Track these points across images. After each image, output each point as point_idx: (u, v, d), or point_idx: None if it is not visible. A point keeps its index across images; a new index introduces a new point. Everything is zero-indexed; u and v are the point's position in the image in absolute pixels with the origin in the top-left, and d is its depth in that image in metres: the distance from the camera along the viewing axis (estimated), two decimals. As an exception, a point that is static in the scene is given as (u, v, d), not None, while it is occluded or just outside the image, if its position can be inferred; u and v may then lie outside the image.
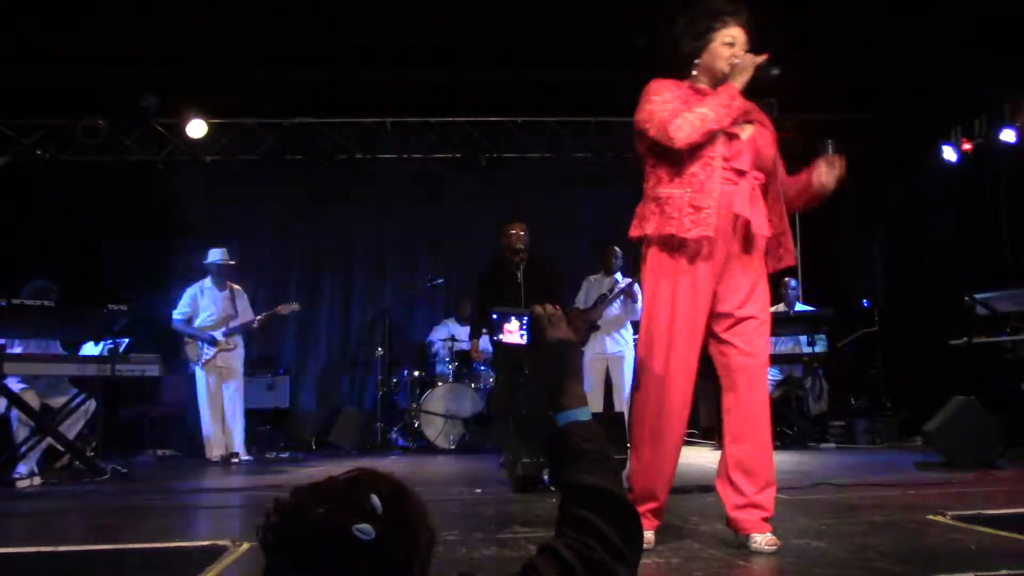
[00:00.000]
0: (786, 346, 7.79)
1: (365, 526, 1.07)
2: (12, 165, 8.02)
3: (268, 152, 8.58)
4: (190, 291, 7.16)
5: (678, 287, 2.67)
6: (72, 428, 5.73)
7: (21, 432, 5.49)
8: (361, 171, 8.95)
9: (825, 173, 2.79)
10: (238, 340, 7.19)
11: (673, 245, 2.67)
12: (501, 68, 7.53)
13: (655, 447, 2.70)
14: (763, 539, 2.59)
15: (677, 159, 2.66)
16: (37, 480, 5.29)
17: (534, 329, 1.54)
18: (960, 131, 7.57)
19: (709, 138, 2.64)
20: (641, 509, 2.72)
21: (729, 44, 2.74)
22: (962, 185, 7.53)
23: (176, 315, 7.11)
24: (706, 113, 2.62)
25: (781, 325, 7.56)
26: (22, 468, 5.34)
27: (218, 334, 7.07)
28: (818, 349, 7.42)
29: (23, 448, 5.38)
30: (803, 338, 7.45)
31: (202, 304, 7.12)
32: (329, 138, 8.60)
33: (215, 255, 7.18)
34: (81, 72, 7.31)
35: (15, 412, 5.49)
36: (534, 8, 6.66)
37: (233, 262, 7.30)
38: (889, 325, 7.58)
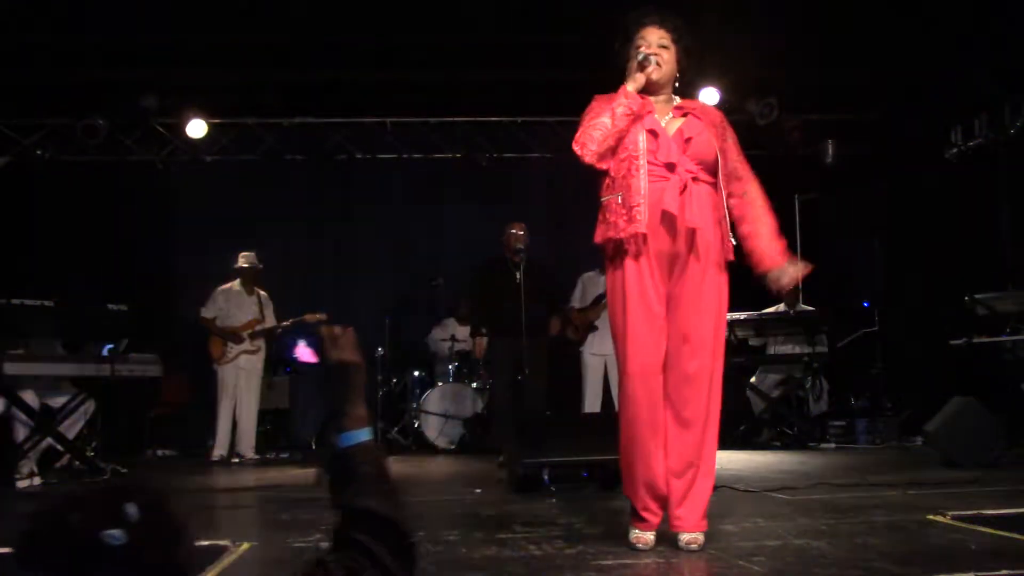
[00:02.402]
0: (786, 346, 7.78)
1: (116, 531, 1.08)
2: (12, 165, 8.03)
3: (268, 152, 8.58)
4: (219, 292, 7.20)
5: (627, 284, 2.75)
6: (72, 428, 5.72)
7: (21, 432, 5.49)
8: (361, 171, 8.96)
9: (776, 280, 2.85)
10: (261, 344, 7.23)
11: (617, 248, 2.78)
12: (500, 68, 7.53)
13: (635, 443, 2.73)
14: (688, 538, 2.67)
15: (612, 166, 2.80)
16: (37, 480, 5.29)
17: (320, 350, 1.55)
18: (960, 131, 7.56)
19: (615, 142, 2.78)
20: (637, 508, 2.73)
21: (642, 47, 2.85)
22: (962, 185, 7.53)
23: (204, 313, 7.15)
24: (602, 122, 2.77)
25: (781, 325, 7.56)
26: (22, 468, 5.33)
27: (244, 335, 7.10)
28: (818, 349, 7.41)
29: (23, 448, 5.37)
30: (803, 338, 7.44)
31: (231, 306, 7.15)
32: (329, 138, 8.60)
33: (244, 259, 7.21)
34: (81, 72, 7.31)
35: (15, 412, 5.49)
36: (534, 8, 6.67)
37: (261, 266, 7.32)
38: (889, 325, 7.57)
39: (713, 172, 2.78)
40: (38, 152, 8.08)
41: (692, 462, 2.68)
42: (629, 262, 2.74)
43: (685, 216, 2.70)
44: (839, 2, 6.69)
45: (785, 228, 9.53)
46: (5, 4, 6.32)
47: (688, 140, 2.75)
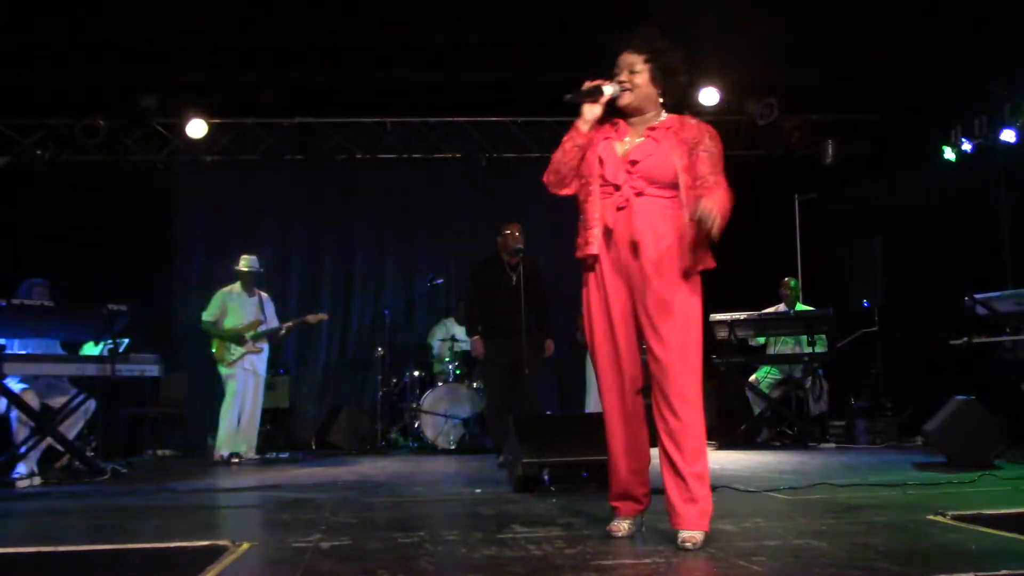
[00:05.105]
0: (786, 346, 7.78)
1: None
2: (12, 165, 8.03)
3: (268, 152, 8.59)
4: (220, 295, 7.20)
5: (591, 299, 2.92)
6: (72, 428, 5.73)
7: (21, 432, 5.50)
8: (361, 171, 8.96)
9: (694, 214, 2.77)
10: (264, 344, 7.26)
11: (582, 265, 2.96)
12: (501, 68, 7.53)
13: (611, 443, 2.93)
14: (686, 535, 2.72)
15: (579, 189, 2.96)
16: (37, 480, 5.30)
17: None
18: (960, 131, 7.57)
19: (567, 171, 2.97)
20: (611, 502, 2.97)
21: (617, 73, 2.95)
22: (962, 185, 7.53)
23: (205, 317, 7.15)
24: (557, 156, 2.98)
25: (781, 325, 7.57)
26: (22, 468, 5.34)
27: (246, 336, 7.12)
28: (818, 349, 7.41)
29: (23, 448, 5.38)
30: (803, 338, 7.44)
31: (231, 308, 7.15)
32: (329, 138, 8.61)
33: (247, 263, 7.22)
34: (81, 72, 7.31)
35: (15, 412, 5.49)
36: (534, 8, 6.67)
37: (263, 270, 7.33)
38: (889, 325, 7.57)
39: (670, 187, 2.81)
40: (38, 152, 8.08)
41: (680, 464, 2.74)
42: (592, 280, 2.91)
43: (626, 229, 2.81)
44: (839, 2, 6.69)
45: (785, 228, 9.55)
46: (5, 4, 6.33)
47: (633, 163, 2.84)
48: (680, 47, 2.91)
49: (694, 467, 2.73)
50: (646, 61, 2.89)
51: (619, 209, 2.83)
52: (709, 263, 2.84)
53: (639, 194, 2.81)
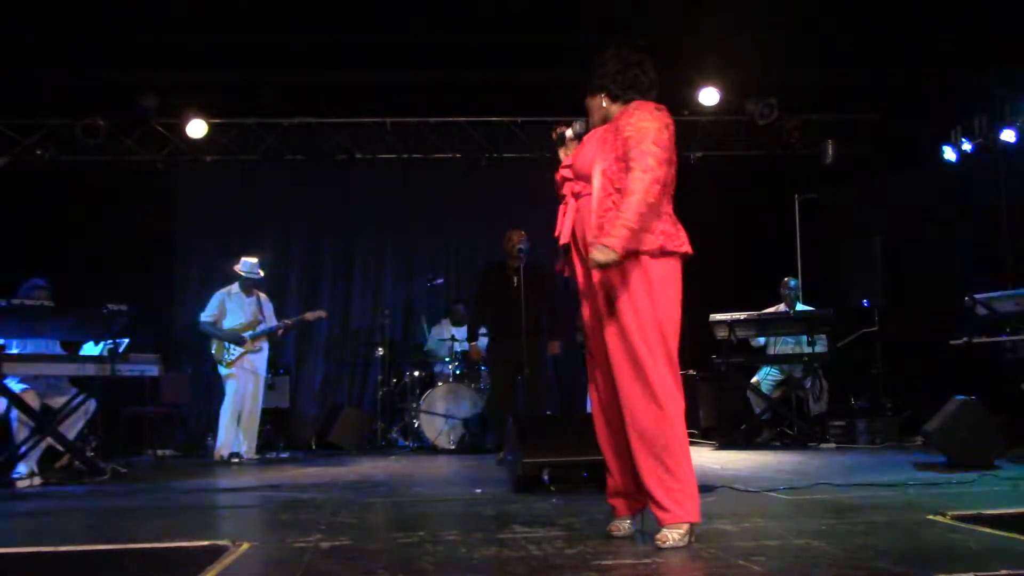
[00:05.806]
0: (786, 346, 7.78)
1: None
2: (12, 165, 8.03)
3: (268, 152, 8.59)
4: (218, 295, 7.20)
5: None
6: (72, 428, 5.73)
7: (21, 432, 5.49)
8: (361, 171, 8.96)
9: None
10: (263, 344, 7.25)
11: None
12: (501, 68, 7.53)
13: (599, 440, 3.01)
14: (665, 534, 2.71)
15: None
16: (37, 480, 5.30)
17: None
18: (960, 131, 7.57)
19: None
20: (610, 499, 3.01)
21: None
22: (962, 185, 7.53)
23: (204, 317, 7.14)
24: None
25: (781, 325, 7.56)
26: (22, 468, 5.34)
27: (245, 336, 7.12)
28: (818, 349, 7.41)
29: (23, 448, 5.38)
30: (803, 338, 7.44)
31: (230, 308, 7.15)
32: (329, 138, 8.61)
33: (247, 266, 7.21)
34: (81, 72, 7.31)
35: (15, 412, 5.49)
36: (534, 8, 6.67)
37: (262, 273, 7.32)
38: (889, 325, 7.57)
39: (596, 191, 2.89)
40: (38, 152, 8.08)
41: (638, 461, 2.76)
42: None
43: (572, 232, 2.94)
44: (839, 2, 6.69)
45: (785, 228, 9.52)
46: (5, 4, 6.32)
47: (568, 167, 3.00)
48: (620, 48, 2.96)
49: (649, 461, 2.72)
50: (584, 85, 3.04)
51: (562, 215, 2.99)
52: (649, 244, 2.71)
53: (577, 196, 2.95)
